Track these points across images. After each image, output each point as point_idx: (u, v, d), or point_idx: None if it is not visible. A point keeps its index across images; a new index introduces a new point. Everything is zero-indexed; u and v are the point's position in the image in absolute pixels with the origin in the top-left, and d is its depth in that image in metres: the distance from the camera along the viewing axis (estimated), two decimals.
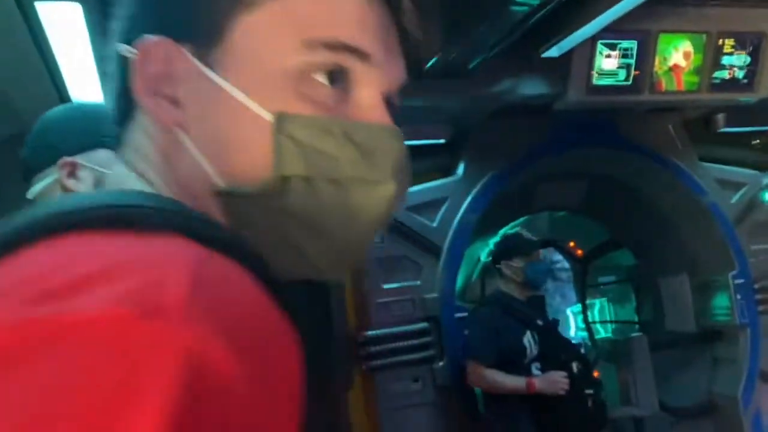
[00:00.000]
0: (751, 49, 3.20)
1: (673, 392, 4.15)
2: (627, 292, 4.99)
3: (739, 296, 3.93)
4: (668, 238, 4.24)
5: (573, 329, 5.34)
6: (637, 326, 4.84)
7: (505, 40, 2.54)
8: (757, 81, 3.27)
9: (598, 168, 4.07)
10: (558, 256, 5.31)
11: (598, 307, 5.26)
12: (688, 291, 4.23)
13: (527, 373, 3.09)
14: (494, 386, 3.09)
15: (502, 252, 3.39)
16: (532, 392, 2.99)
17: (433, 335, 3.47)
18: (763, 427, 3.88)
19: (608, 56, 3.04)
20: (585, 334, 5.11)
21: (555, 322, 3.47)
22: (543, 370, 3.12)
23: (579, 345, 4.39)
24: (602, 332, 5.17)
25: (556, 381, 3.00)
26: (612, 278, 5.15)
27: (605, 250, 4.96)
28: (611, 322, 5.18)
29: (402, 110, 0.54)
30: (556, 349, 3.23)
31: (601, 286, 5.23)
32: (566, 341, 3.58)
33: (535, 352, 3.15)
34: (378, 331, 3.41)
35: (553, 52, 2.85)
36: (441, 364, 3.46)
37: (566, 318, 5.39)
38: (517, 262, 3.29)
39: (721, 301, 4.00)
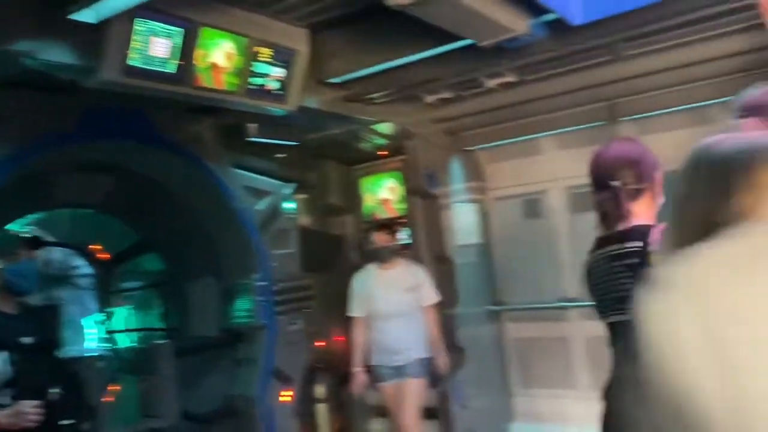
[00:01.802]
0: (285, 62, 3.38)
1: (197, 399, 4.09)
2: (153, 298, 4.77)
3: (260, 298, 4.11)
4: (198, 241, 4.20)
5: (93, 341, 4.84)
6: (162, 333, 4.65)
7: None
8: (289, 94, 3.47)
9: (128, 163, 3.75)
10: (77, 260, 4.75)
11: (124, 315, 4.90)
12: (214, 295, 4.25)
13: None
14: None
15: None
16: None
17: None
18: (276, 423, 4.12)
19: (154, 39, 2.79)
20: (108, 344, 4.69)
21: (51, 340, 2.90)
22: (18, 397, 2.54)
23: (75, 362, 3.69)
24: (127, 342, 4.82)
25: (22, 413, 2.48)
26: (139, 284, 4.86)
27: (134, 253, 4.65)
28: (135, 330, 4.88)
29: None
30: (35, 373, 2.66)
31: (127, 293, 4.89)
32: (54, 362, 2.91)
33: (6, 376, 2.56)
34: None
35: (88, 16, 2.45)
36: None
37: (81, 329, 4.85)
38: None
39: (243, 304, 4.12)
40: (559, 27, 2.94)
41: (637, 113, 4.22)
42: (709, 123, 3.99)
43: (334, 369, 4.80)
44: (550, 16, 2.86)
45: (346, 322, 5.17)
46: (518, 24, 2.73)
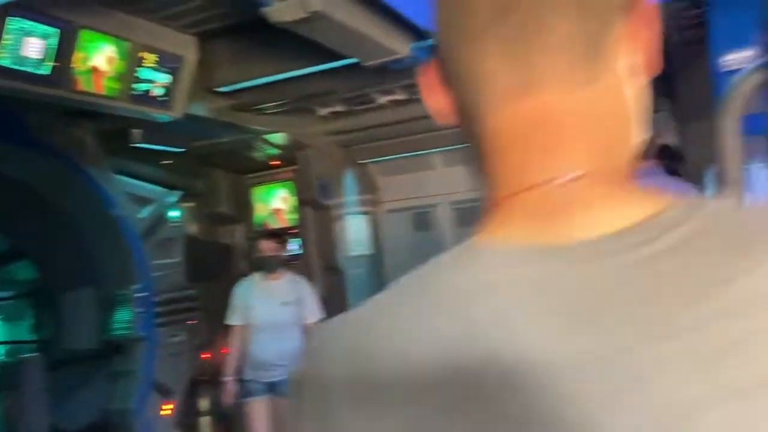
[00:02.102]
0: (171, 68, 3.32)
1: (70, 413, 3.90)
2: (25, 308, 4.51)
3: (140, 310, 3.99)
4: (75, 249, 4.02)
5: None
6: (34, 346, 4.40)
7: None
8: (174, 101, 3.41)
9: (0, 167, 3.55)
10: None
11: None
12: (91, 306, 4.08)
13: None
14: None
15: None
16: None
17: None
18: None
19: (27, 39, 2.67)
20: None
21: None
22: None
23: None
24: None
25: None
26: (8, 293, 4.58)
27: (4, 261, 4.37)
28: (3, 343, 4.58)
29: None
30: None
31: None
32: None
33: None
34: None
35: None
36: None
37: None
38: None
39: (123, 315, 3.98)
40: None
41: None
42: None
43: (219, 381, 4.72)
44: (430, 42, 2.99)
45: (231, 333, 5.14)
46: (401, 47, 2.83)
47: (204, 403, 4.63)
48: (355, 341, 0.50)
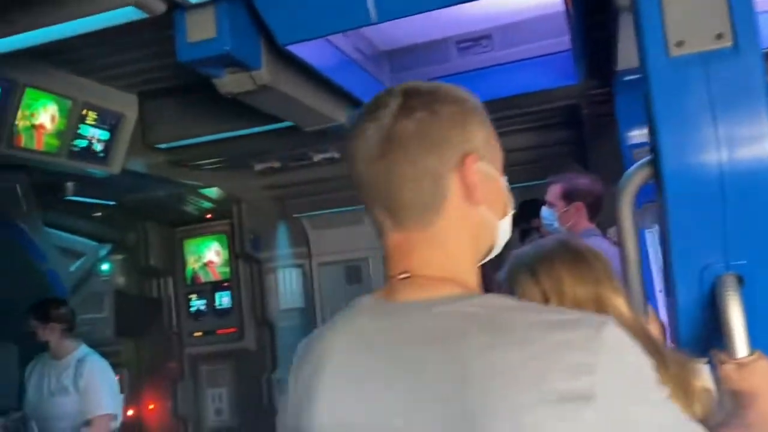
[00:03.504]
0: (111, 125, 3.38)
1: None
2: None
3: None
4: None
5: None
6: None
7: None
8: (112, 157, 3.46)
9: None
10: None
11: None
12: (13, 362, 3.95)
13: None
14: None
15: None
16: None
17: None
18: None
19: None
20: None
21: None
22: None
23: None
24: None
25: None
26: None
27: None
28: None
29: None
30: None
31: None
32: None
33: None
34: None
35: None
36: None
37: None
38: None
39: None
40: None
41: None
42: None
43: None
44: None
45: (159, 389, 5.05)
46: (337, 114, 3.02)
47: None
48: (309, 338, 0.95)
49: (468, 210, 0.84)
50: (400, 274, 0.84)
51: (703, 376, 1.18)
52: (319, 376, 0.87)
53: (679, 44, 1.12)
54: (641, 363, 0.75)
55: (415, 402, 0.76)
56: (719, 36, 1.11)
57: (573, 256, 1.18)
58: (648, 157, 1.24)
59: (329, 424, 0.84)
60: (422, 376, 0.76)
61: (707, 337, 1.31)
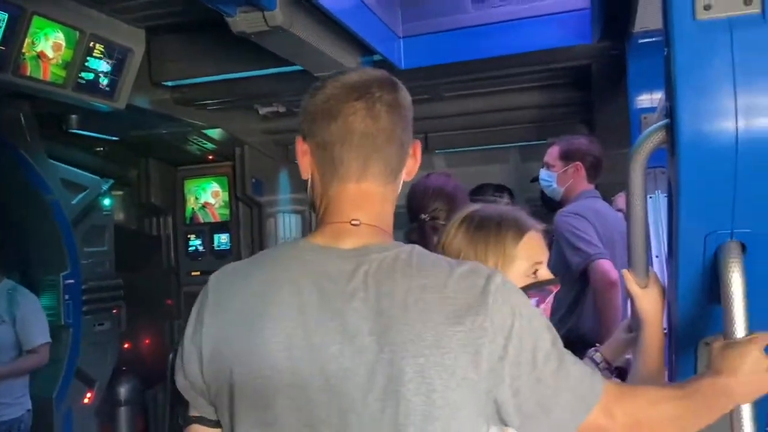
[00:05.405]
0: (117, 60, 3.34)
1: None
2: None
3: (67, 297, 3.96)
4: (2, 233, 3.93)
5: None
6: None
7: None
8: (118, 91, 3.43)
9: None
10: None
11: None
12: None
13: None
14: None
15: None
16: None
17: None
18: (73, 424, 3.98)
19: None
20: None
21: None
22: None
23: None
24: None
25: None
26: None
27: None
28: None
29: None
30: None
31: None
32: None
33: None
34: None
35: None
36: None
37: None
38: None
39: (49, 302, 3.93)
40: (386, 68, 3.26)
41: (447, 148, 4.71)
42: (502, 162, 4.61)
43: (139, 371, 4.72)
44: (377, 57, 3.18)
45: (156, 325, 5.12)
46: (349, 60, 2.99)
47: (123, 393, 4.62)
48: (225, 273, 1.10)
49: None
50: (352, 220, 1.04)
51: None
52: (265, 306, 1.00)
53: (707, 7, 1.11)
54: (525, 300, 1.02)
55: (347, 332, 0.96)
56: (748, 1, 1.10)
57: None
58: (663, 121, 1.24)
59: (274, 344, 0.98)
60: (355, 311, 0.96)
61: (706, 301, 1.34)
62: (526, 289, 1.29)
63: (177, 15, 3.23)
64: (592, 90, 3.78)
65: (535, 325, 0.99)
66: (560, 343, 1.02)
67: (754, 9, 1.10)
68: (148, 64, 3.59)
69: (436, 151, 4.71)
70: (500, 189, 3.74)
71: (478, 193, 3.50)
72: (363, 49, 3.05)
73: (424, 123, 4.30)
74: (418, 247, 1.05)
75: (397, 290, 0.96)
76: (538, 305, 1.32)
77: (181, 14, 3.21)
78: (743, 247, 1.24)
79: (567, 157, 2.97)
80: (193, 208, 5.37)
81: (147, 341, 5.17)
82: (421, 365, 0.92)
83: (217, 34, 3.19)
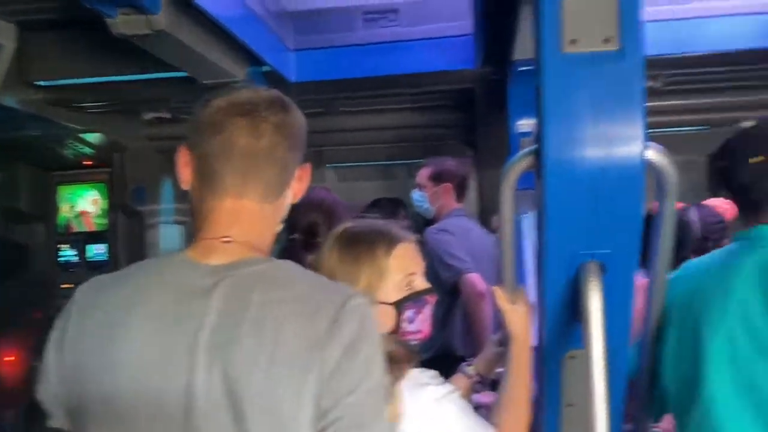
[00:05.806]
0: None
1: None
2: None
3: None
4: None
5: None
6: None
7: None
8: None
9: None
10: None
11: None
12: None
13: None
14: None
15: None
16: None
17: None
18: None
19: None
20: None
21: None
22: None
23: None
24: None
25: None
26: None
27: None
28: None
29: None
30: None
31: None
32: None
33: None
34: None
35: None
36: None
37: None
38: None
39: None
40: (276, 80, 3.25)
41: (341, 162, 4.74)
42: (392, 179, 4.72)
43: None
44: (266, 68, 3.15)
45: (21, 340, 4.75)
46: (236, 69, 2.94)
47: None
48: (92, 285, 1.09)
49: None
50: (223, 237, 1.04)
51: (401, 400, 1.26)
52: (124, 321, 1.01)
53: (573, 42, 1.19)
54: (373, 328, 1.00)
55: (199, 349, 0.96)
56: (607, 39, 1.19)
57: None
58: (533, 147, 1.32)
59: (129, 361, 0.98)
60: (208, 327, 0.97)
61: (570, 317, 1.42)
62: (403, 301, 1.31)
63: (53, 11, 3.04)
64: (474, 113, 3.93)
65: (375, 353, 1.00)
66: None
67: (613, 47, 1.19)
68: (20, 61, 3.35)
69: (327, 166, 4.72)
70: (396, 203, 3.85)
71: (375, 206, 3.60)
72: (252, 58, 3.01)
73: (318, 137, 4.29)
74: (290, 263, 1.06)
75: (252, 304, 0.97)
76: (415, 316, 1.35)
77: (57, 11, 3.02)
78: (603, 267, 1.33)
79: (437, 178, 3.20)
80: (67, 217, 5.06)
81: (11, 357, 4.79)
82: (270, 382, 0.93)
83: (97, 34, 3.04)
